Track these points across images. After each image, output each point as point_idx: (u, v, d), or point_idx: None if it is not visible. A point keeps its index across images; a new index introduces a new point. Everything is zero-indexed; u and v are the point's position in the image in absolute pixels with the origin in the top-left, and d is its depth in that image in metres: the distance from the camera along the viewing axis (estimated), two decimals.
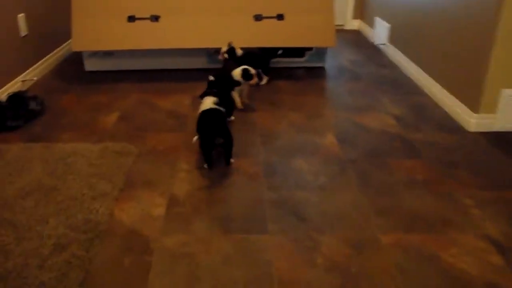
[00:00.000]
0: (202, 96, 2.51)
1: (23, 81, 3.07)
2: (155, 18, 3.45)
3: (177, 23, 3.46)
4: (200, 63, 3.75)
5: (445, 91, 3.04)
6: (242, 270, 1.65)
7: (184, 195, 2.10)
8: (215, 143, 2.23)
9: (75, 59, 4.01)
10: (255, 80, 2.85)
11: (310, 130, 2.73)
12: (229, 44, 3.28)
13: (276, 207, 2.01)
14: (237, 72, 2.87)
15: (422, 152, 2.49)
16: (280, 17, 3.52)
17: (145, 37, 3.44)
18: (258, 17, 3.51)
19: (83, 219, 1.90)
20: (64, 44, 4.07)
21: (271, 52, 3.50)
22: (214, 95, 2.47)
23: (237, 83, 2.88)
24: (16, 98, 2.78)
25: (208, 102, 2.41)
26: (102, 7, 3.44)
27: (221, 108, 2.39)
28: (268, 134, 2.68)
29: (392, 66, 3.92)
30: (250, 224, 1.91)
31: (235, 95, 2.94)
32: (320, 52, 3.81)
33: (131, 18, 3.44)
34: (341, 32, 5.08)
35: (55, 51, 3.87)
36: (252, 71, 2.85)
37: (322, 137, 2.65)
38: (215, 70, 3.16)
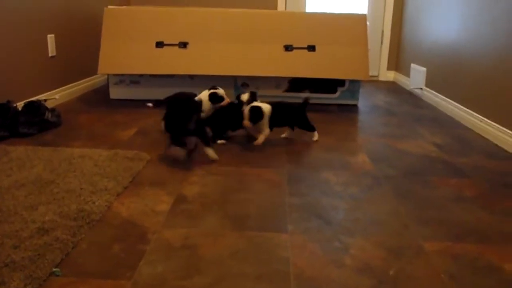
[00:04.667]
0: None
1: (44, 100, 2.98)
2: (183, 45, 3.39)
3: (206, 50, 3.38)
4: (227, 95, 3.60)
5: (493, 123, 2.75)
6: (253, 265, 1.35)
7: (194, 194, 1.84)
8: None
9: (102, 90, 3.96)
10: None
11: (340, 150, 2.47)
12: (251, 92, 2.74)
13: (299, 210, 1.72)
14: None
15: (469, 174, 2.17)
16: (311, 48, 3.40)
17: (172, 63, 3.36)
18: (288, 48, 3.40)
19: (76, 209, 1.66)
20: (93, 77, 4.04)
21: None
22: None
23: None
24: (32, 106, 2.66)
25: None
26: (131, 32, 3.41)
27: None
28: (294, 152, 2.43)
29: (429, 107, 3.68)
30: (267, 223, 1.62)
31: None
32: (353, 90, 3.62)
33: (160, 44, 3.39)
34: (375, 82, 4.93)
35: (82, 81, 3.83)
36: None
37: (354, 156, 2.38)
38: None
